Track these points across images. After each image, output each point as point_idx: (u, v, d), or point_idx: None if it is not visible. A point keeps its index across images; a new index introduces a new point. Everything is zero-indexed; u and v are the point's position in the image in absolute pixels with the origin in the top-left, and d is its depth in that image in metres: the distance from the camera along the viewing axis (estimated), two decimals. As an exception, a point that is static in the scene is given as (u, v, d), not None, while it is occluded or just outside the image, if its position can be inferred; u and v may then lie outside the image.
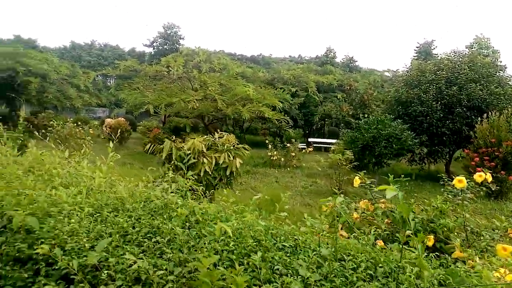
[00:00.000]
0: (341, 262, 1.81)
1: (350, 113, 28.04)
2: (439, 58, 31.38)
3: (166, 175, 4.40)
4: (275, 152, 16.89)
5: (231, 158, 6.05)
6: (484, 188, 4.23)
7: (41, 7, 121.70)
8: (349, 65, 50.33)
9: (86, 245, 2.08)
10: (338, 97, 32.29)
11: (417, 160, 16.67)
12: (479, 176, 4.04)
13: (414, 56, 39.78)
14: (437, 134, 15.10)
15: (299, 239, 2.05)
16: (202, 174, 5.71)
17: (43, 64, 25.68)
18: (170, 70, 18.36)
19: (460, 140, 15.07)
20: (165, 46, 33.30)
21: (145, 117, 31.45)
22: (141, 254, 1.98)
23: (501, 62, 18.58)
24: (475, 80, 14.54)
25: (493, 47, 24.27)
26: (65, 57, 46.57)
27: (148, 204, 2.62)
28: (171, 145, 6.03)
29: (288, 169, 16.39)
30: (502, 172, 11.24)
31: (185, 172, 5.93)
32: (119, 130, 21.98)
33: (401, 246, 1.97)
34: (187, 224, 2.25)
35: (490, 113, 12.52)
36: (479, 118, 12.85)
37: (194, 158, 5.81)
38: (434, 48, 38.97)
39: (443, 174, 4.92)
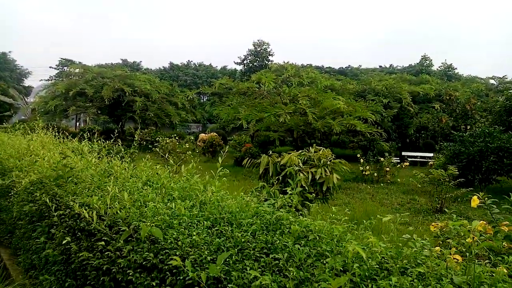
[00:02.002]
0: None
1: (450, 124, 25.96)
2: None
3: (263, 189, 4.48)
4: (367, 167, 16.25)
5: (328, 174, 5.96)
6: None
7: (145, 34, 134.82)
8: (447, 73, 46.79)
9: (208, 257, 2.18)
10: (436, 108, 30.11)
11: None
12: None
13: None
14: (559, 148, 13.23)
15: (425, 264, 1.91)
16: (298, 189, 5.70)
17: (146, 85, 28.28)
18: (261, 86, 18.86)
19: None
20: (255, 63, 34.42)
21: (235, 132, 32.72)
22: (258, 270, 2.01)
23: None
24: None
25: None
26: (164, 77, 50.69)
27: (260, 218, 2.67)
28: (268, 160, 6.14)
29: (382, 184, 15.62)
30: None
31: (283, 186, 6.00)
32: (212, 144, 23.19)
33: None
34: (301, 241, 2.24)
35: None
36: None
37: (290, 173, 5.84)
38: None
39: None
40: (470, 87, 34.06)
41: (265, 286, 1.79)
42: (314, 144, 6.67)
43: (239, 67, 40.19)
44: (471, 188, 11.26)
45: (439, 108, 30.23)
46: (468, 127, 25.42)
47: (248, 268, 1.96)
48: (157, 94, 28.89)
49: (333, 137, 31.83)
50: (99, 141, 6.52)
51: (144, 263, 2.42)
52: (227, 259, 2.11)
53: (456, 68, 50.37)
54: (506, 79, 36.94)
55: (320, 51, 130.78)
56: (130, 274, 2.40)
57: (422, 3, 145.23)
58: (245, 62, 36.26)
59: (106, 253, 2.76)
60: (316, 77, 28.09)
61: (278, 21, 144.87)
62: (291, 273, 1.78)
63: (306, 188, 5.76)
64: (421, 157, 28.90)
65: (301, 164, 5.96)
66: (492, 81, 37.81)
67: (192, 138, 28.08)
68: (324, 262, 1.86)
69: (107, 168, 4.63)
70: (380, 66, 71.81)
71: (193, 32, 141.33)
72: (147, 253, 2.44)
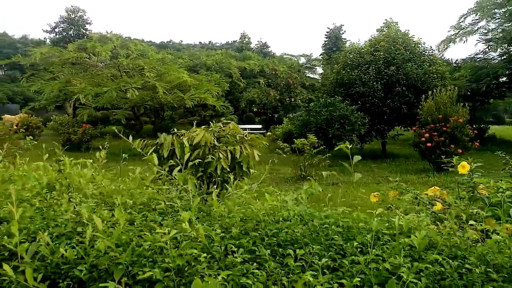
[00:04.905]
0: None
1: (277, 98, 27.94)
2: (347, 43, 32.74)
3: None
4: (219, 142, 15.96)
5: (248, 150, 5.12)
6: None
7: None
8: (263, 51, 50.53)
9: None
10: (261, 83, 32.09)
11: (357, 140, 16.99)
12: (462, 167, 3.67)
13: (325, 41, 41.24)
14: (378, 114, 15.54)
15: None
16: (219, 171, 4.71)
17: None
18: (91, 57, 16.12)
19: (399, 118, 15.73)
20: (70, 32, 29.51)
21: (44, 113, 27.83)
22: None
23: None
24: (410, 60, 15.18)
25: (401, 30, 25.90)
26: None
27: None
28: (172, 139, 4.90)
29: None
30: (451, 146, 11.83)
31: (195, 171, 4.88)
32: (28, 127, 19.02)
33: None
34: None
35: (432, 91, 12.96)
36: (422, 96, 13.19)
37: (206, 154, 4.79)
38: (343, 33, 40.76)
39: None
40: (286, 64, 37.45)
41: None
42: (223, 119, 5.71)
43: (49, 36, 33.99)
44: (329, 154, 12.15)
45: (263, 82, 32.39)
46: (292, 99, 27.99)
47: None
48: None
49: (165, 113, 30.72)
50: None
51: None
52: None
53: (270, 47, 54.92)
54: (312, 57, 42.32)
55: (138, 24, 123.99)
56: None
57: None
58: (57, 30, 30.77)
59: None
60: (145, 50, 26.30)
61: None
62: None
63: (227, 169, 4.83)
64: (252, 129, 30.91)
65: (216, 142, 4.95)
66: (302, 58, 42.61)
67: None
68: None
69: None
70: (200, 42, 72.85)
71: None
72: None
